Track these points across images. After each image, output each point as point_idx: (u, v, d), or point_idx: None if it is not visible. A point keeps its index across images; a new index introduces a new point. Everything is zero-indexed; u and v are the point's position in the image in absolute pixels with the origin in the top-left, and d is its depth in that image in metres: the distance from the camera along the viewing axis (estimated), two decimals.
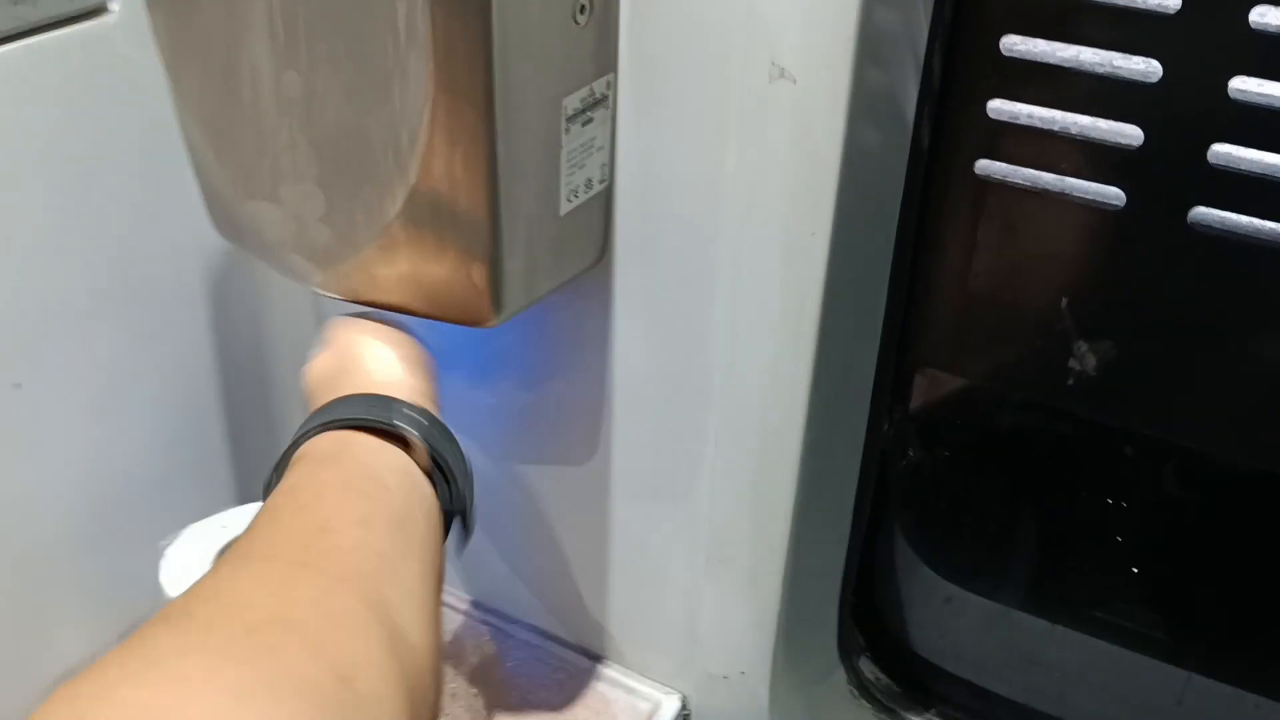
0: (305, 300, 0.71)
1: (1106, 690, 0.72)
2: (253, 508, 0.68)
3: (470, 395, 0.68)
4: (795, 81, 0.48)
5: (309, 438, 0.47)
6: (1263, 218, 0.51)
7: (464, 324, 0.52)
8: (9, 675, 0.65)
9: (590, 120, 0.52)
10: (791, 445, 0.58)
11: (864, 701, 0.75)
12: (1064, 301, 0.59)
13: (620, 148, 0.54)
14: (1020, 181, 0.56)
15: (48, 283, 0.61)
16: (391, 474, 0.45)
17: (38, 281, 0.60)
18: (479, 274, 0.50)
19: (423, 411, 0.49)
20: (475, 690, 0.71)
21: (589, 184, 0.54)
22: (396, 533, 0.42)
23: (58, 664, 0.68)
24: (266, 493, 0.47)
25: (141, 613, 0.70)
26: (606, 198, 0.56)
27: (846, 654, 0.74)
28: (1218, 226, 0.53)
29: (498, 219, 0.48)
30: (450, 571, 0.77)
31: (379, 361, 0.51)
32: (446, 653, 0.74)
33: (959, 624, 0.75)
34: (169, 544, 0.66)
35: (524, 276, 0.51)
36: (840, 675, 0.74)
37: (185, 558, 0.65)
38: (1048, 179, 0.56)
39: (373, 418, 0.47)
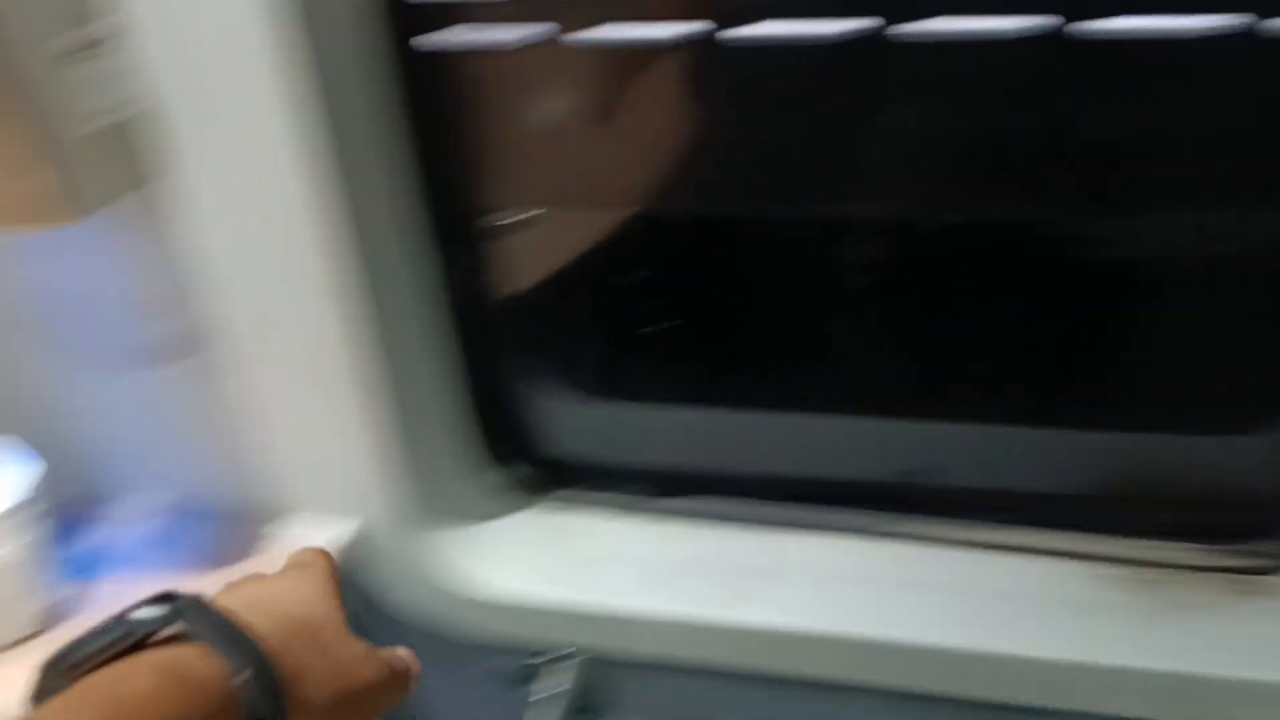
0: None
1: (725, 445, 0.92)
2: None
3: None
4: None
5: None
6: None
7: (48, 227, 0.69)
8: None
9: (92, 58, 0.70)
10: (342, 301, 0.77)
11: (509, 494, 0.93)
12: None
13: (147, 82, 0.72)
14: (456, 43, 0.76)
15: None
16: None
17: None
18: (41, 181, 0.67)
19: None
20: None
21: (111, 110, 0.71)
22: None
23: None
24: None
25: None
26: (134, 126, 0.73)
27: (494, 459, 0.92)
28: None
29: (31, 136, 0.66)
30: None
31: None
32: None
33: (583, 423, 0.94)
34: None
35: (75, 186, 0.69)
36: (487, 476, 0.92)
37: None
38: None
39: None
